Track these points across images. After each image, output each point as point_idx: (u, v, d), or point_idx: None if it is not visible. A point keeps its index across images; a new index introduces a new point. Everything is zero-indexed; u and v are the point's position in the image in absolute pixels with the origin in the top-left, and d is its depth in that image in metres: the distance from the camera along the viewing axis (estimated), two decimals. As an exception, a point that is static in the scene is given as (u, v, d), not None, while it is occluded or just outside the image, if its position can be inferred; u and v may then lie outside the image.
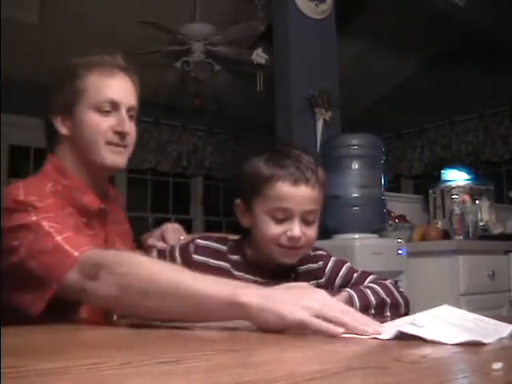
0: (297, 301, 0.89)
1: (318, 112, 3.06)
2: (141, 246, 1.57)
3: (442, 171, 3.82)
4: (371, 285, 1.28)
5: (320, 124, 3.06)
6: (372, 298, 1.24)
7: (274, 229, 1.23)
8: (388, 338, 0.77)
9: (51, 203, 1.25)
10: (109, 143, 1.38)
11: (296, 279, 1.31)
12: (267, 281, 1.24)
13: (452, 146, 5.46)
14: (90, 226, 1.36)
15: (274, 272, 1.29)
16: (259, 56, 3.92)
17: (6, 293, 1.18)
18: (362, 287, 1.27)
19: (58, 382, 0.54)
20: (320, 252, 1.38)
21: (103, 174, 1.43)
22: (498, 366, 0.58)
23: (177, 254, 1.34)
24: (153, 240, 1.52)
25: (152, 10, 4.13)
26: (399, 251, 2.64)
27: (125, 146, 1.41)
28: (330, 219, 2.48)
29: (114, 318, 1.22)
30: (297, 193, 1.21)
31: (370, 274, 1.35)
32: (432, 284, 2.73)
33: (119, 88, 1.40)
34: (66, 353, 0.77)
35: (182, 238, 1.53)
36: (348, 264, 1.36)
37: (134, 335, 0.96)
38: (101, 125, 1.36)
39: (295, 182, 1.21)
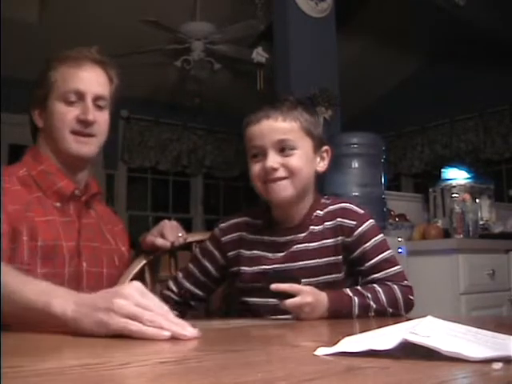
0: (112, 306, 0.85)
1: (319, 110, 3.05)
2: (139, 247, 1.57)
3: (443, 170, 3.81)
4: (377, 289, 1.26)
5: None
6: (372, 304, 1.24)
7: (254, 167, 1.30)
8: (391, 347, 0.67)
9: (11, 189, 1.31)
10: (74, 132, 1.40)
11: (323, 234, 1.32)
12: (288, 239, 1.31)
13: (452, 144, 5.46)
14: (64, 212, 1.40)
15: (294, 228, 1.33)
16: (259, 55, 3.91)
17: None
18: (364, 290, 1.26)
19: (57, 382, 0.54)
20: (357, 210, 1.36)
21: (74, 163, 1.44)
22: (497, 366, 0.58)
23: (210, 247, 1.42)
24: (152, 237, 1.53)
25: (152, 9, 4.13)
26: (399, 250, 2.64)
27: (91, 135, 1.42)
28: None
29: None
30: (259, 128, 1.29)
31: (393, 264, 1.32)
32: (432, 283, 2.73)
33: (86, 78, 1.42)
34: (66, 353, 0.77)
35: (180, 234, 1.54)
36: (379, 237, 1.33)
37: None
38: (66, 114, 1.40)
39: (257, 121, 1.30)
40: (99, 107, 1.43)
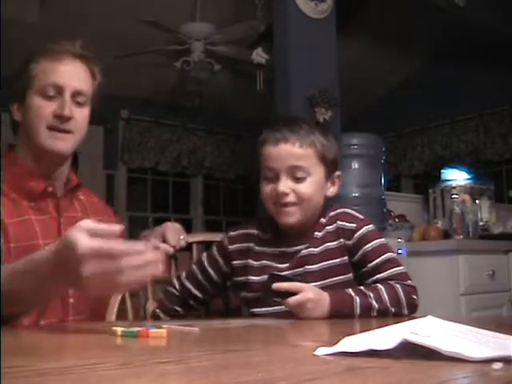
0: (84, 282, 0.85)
1: (318, 111, 3.05)
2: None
3: (442, 171, 3.82)
4: (380, 287, 1.26)
5: (320, 123, 3.06)
6: (375, 304, 1.24)
7: (266, 188, 1.33)
8: (391, 347, 0.66)
9: None
10: (50, 128, 1.37)
11: (325, 238, 1.34)
12: (296, 249, 1.33)
13: (452, 145, 5.46)
14: (40, 209, 1.38)
15: (300, 239, 1.34)
16: (259, 55, 3.91)
17: None
18: (366, 290, 1.26)
19: (57, 382, 0.54)
20: (357, 214, 1.37)
21: (49, 159, 1.41)
22: (497, 366, 0.58)
23: (215, 253, 1.42)
24: (155, 241, 1.51)
25: (152, 10, 4.13)
26: (399, 251, 2.65)
27: (68, 132, 1.38)
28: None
29: None
30: (276, 151, 1.30)
31: (396, 264, 1.32)
32: (432, 284, 2.73)
33: (65, 72, 1.38)
34: (66, 353, 0.77)
35: (181, 237, 1.53)
36: (380, 240, 1.34)
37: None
38: (43, 109, 1.36)
39: (275, 142, 1.30)
40: (78, 103, 1.39)
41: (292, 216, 1.31)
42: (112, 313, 1.42)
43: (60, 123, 1.37)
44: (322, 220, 1.36)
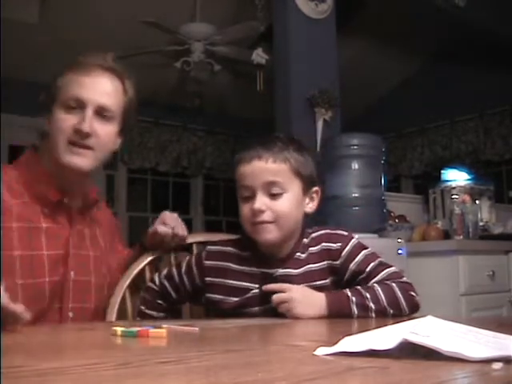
0: None
1: (318, 112, 3.05)
2: (143, 245, 1.57)
3: (442, 171, 3.82)
4: (376, 288, 1.26)
5: (320, 124, 3.06)
6: (372, 305, 1.23)
7: (244, 208, 1.30)
8: (391, 347, 0.66)
9: None
10: (71, 142, 1.32)
11: (308, 260, 1.33)
12: (275, 270, 1.31)
13: (452, 145, 5.46)
14: (52, 217, 1.36)
15: (282, 260, 1.33)
16: (259, 56, 3.92)
17: None
18: (363, 290, 1.25)
19: (57, 382, 0.54)
20: (340, 232, 1.37)
21: (68, 175, 1.37)
22: (498, 366, 0.58)
23: (193, 263, 1.39)
24: (154, 227, 1.51)
25: (152, 10, 4.13)
26: (399, 251, 2.64)
27: (87, 147, 1.33)
28: (330, 219, 2.48)
29: None
30: (250, 169, 1.29)
31: (387, 266, 1.32)
32: (432, 284, 2.73)
33: (90, 86, 1.34)
34: (66, 353, 0.77)
35: (180, 221, 1.53)
36: (366, 251, 1.34)
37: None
38: (64, 122, 1.33)
39: (249, 160, 1.29)
40: (102, 119, 1.34)
41: (270, 233, 1.28)
42: (112, 313, 1.42)
43: (80, 138, 1.32)
44: (305, 240, 1.35)
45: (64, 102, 1.33)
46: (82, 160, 1.34)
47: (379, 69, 5.40)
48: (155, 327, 0.88)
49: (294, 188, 1.30)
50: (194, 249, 1.60)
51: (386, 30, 4.87)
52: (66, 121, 1.32)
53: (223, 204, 6.37)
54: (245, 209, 1.30)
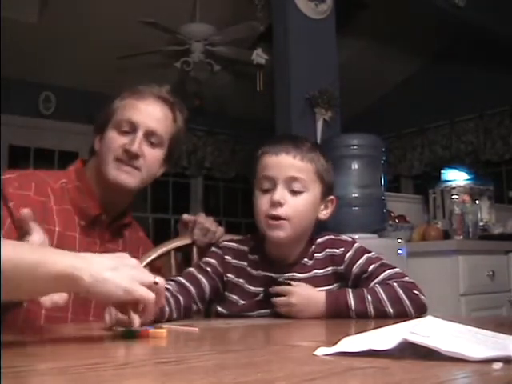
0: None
1: (318, 112, 3.05)
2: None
3: (442, 171, 3.82)
4: (378, 289, 1.25)
5: (320, 124, 3.06)
6: (371, 308, 1.23)
7: (261, 199, 1.30)
8: (391, 347, 0.66)
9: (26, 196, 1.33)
10: (118, 160, 1.39)
11: (314, 265, 1.34)
12: (281, 275, 1.32)
13: (452, 145, 5.46)
14: (86, 231, 1.42)
15: (289, 266, 1.34)
16: (259, 56, 3.91)
17: None
18: (362, 291, 1.25)
19: (57, 382, 0.54)
20: (344, 237, 1.39)
21: (111, 190, 1.43)
22: (497, 366, 0.58)
23: (212, 259, 1.38)
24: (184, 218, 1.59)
25: (152, 10, 4.13)
26: (399, 251, 2.64)
27: (134, 167, 1.41)
28: (330, 219, 2.48)
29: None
30: (276, 160, 1.29)
31: (389, 267, 1.32)
32: (432, 284, 2.72)
33: (143, 111, 1.41)
34: (66, 353, 0.77)
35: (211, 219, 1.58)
36: (369, 254, 1.35)
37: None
38: (115, 141, 1.40)
39: (276, 152, 1.30)
40: (151, 143, 1.42)
41: (282, 230, 1.28)
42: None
43: (128, 158, 1.39)
44: (312, 247, 1.37)
45: (117, 123, 1.41)
46: (128, 177, 1.41)
47: (379, 69, 5.40)
48: (155, 327, 0.89)
49: (314, 190, 1.31)
50: (194, 249, 1.60)
51: (386, 30, 4.87)
52: (118, 140, 1.40)
53: (223, 204, 6.36)
54: (262, 200, 1.30)
